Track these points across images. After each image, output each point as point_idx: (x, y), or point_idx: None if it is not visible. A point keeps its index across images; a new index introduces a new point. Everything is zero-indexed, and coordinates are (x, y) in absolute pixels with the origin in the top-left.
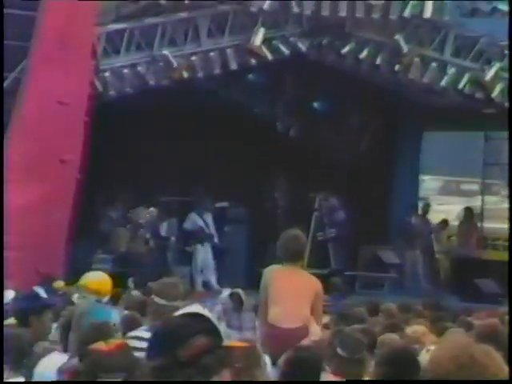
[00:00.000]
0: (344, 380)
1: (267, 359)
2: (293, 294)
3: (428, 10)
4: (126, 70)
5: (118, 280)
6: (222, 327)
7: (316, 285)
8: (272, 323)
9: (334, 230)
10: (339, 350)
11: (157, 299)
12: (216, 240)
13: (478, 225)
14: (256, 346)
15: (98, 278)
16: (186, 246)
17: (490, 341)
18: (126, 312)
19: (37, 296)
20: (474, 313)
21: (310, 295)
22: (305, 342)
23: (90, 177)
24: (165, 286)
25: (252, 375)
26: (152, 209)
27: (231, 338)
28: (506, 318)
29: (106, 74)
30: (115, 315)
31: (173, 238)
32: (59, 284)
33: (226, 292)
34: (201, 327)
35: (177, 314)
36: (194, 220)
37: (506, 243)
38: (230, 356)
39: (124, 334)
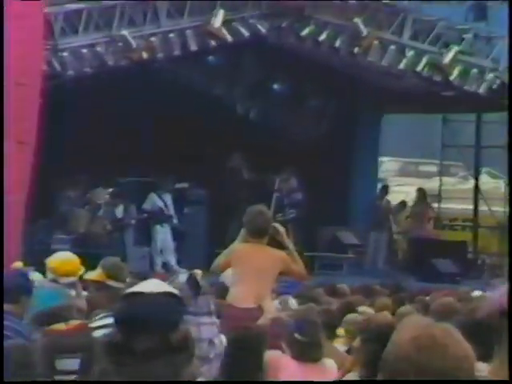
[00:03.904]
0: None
1: (223, 338)
2: (253, 274)
3: None
4: (84, 50)
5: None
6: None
7: (279, 259)
8: (230, 302)
9: (293, 211)
10: (297, 335)
11: (111, 283)
12: (175, 221)
13: (436, 205)
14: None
15: (59, 258)
16: (145, 226)
17: (445, 319)
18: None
19: (26, 275)
20: (432, 293)
21: (274, 272)
22: (260, 321)
23: (49, 158)
24: (115, 268)
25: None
26: (111, 190)
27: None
28: (467, 296)
29: (65, 53)
30: (62, 298)
31: (132, 219)
32: (18, 264)
33: (184, 276)
34: (182, 309)
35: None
36: (153, 201)
37: (464, 223)
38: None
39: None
